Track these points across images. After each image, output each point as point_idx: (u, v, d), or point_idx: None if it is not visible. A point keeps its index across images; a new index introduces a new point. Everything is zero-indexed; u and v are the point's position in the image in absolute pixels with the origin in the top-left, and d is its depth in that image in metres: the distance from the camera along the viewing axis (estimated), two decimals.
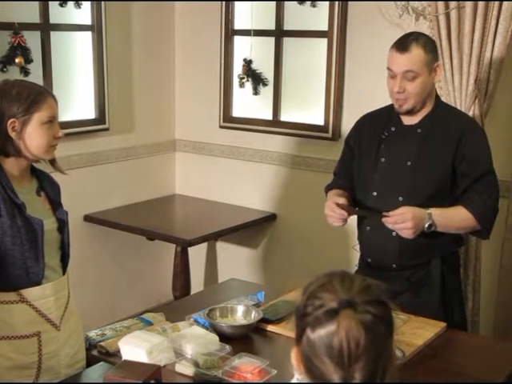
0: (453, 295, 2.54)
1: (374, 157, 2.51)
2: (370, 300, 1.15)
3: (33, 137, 1.96)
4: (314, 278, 1.21)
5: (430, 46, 2.38)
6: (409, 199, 2.41)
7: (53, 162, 2.10)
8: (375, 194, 2.50)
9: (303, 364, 1.18)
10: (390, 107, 2.52)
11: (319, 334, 1.13)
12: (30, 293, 1.96)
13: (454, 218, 2.41)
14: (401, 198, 2.43)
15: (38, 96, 1.97)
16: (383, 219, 2.34)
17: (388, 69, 2.40)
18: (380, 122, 2.54)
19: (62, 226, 2.08)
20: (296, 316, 1.19)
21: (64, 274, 2.10)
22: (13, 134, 1.94)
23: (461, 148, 2.40)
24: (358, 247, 2.64)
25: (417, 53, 2.33)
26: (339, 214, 2.42)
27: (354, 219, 2.64)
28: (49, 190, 2.10)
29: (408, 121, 2.48)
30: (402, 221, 2.30)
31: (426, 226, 2.34)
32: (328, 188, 2.73)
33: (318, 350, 1.13)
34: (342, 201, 2.46)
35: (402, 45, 2.35)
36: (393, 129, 2.50)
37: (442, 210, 2.38)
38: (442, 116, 2.46)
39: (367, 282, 1.19)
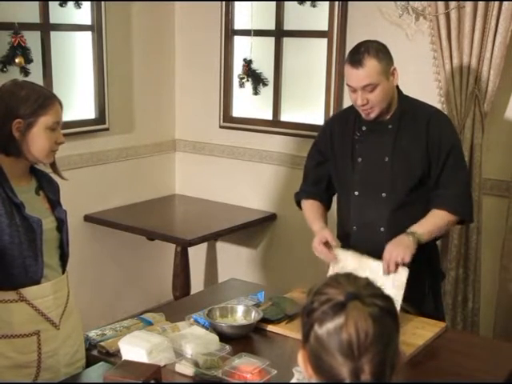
0: (435, 286, 2.61)
1: (350, 158, 2.54)
2: (376, 293, 1.16)
3: (36, 140, 1.96)
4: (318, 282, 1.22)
5: (382, 52, 2.38)
6: (392, 194, 2.47)
7: (53, 165, 2.11)
8: (357, 193, 2.53)
9: (311, 363, 1.16)
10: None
11: (327, 328, 1.12)
12: (29, 292, 1.96)
13: (436, 221, 2.44)
14: (384, 194, 2.48)
15: (46, 100, 1.97)
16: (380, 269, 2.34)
17: (347, 85, 2.42)
18: (349, 122, 2.56)
19: (61, 225, 2.08)
20: (302, 315, 1.18)
21: (63, 273, 2.10)
22: (16, 134, 1.94)
23: (429, 135, 2.44)
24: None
25: (371, 65, 2.34)
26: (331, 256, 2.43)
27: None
28: (48, 189, 2.10)
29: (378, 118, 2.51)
30: (394, 259, 2.30)
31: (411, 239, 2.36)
32: (299, 196, 2.74)
33: (327, 345, 1.12)
34: (330, 238, 2.45)
35: (355, 60, 2.35)
36: (364, 128, 2.52)
37: (421, 221, 2.42)
38: (408, 109, 2.49)
39: (370, 279, 1.21)
